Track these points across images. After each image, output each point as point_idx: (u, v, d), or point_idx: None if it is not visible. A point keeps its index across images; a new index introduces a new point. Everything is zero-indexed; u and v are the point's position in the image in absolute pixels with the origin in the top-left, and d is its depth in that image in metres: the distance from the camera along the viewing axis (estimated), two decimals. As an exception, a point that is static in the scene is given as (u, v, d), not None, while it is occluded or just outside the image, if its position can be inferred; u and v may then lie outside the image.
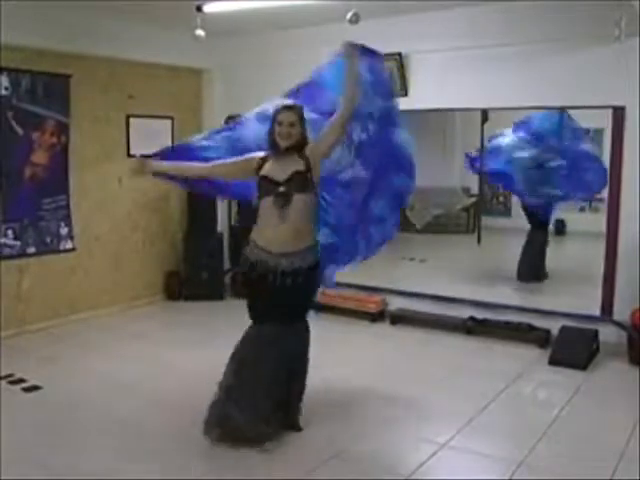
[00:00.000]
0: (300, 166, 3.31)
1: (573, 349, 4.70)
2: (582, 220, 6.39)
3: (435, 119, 6.35)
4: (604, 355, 4.82)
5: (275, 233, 3.31)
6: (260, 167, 3.37)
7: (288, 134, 3.31)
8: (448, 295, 5.66)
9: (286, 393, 3.48)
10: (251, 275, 3.40)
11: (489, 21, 5.09)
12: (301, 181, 3.30)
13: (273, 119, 3.35)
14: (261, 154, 3.43)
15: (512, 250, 6.36)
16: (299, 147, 3.35)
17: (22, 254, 5.34)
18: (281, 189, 3.27)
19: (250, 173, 3.41)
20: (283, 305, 3.37)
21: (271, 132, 3.36)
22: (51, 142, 5.46)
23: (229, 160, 3.51)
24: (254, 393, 3.32)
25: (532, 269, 6.16)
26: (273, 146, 3.37)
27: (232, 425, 3.32)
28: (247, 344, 3.44)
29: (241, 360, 3.40)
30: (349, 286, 5.92)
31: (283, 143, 3.32)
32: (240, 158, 3.47)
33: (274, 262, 3.31)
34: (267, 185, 3.32)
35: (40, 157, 5.40)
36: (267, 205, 3.32)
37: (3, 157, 5.14)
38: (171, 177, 3.68)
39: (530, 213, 6.34)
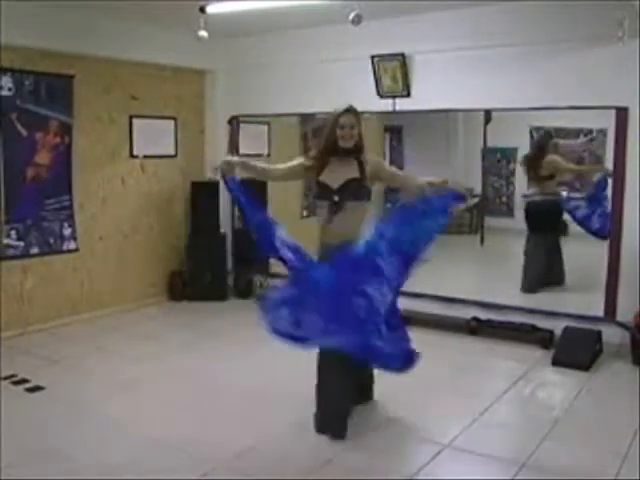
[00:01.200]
0: (355, 172, 3.47)
1: (576, 350, 4.69)
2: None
3: (438, 119, 6.34)
4: (607, 356, 4.81)
5: (325, 232, 3.51)
6: (316, 168, 3.52)
7: (350, 135, 3.45)
8: (451, 296, 5.65)
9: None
10: None
11: (492, 22, 5.09)
12: (355, 188, 3.46)
13: (333, 123, 3.47)
14: (311, 156, 3.59)
15: (515, 251, 6.32)
16: (357, 150, 3.50)
17: (25, 254, 5.36)
18: (335, 198, 3.43)
19: (303, 174, 3.63)
20: None
21: (330, 135, 3.48)
22: (54, 142, 5.48)
23: (287, 165, 3.65)
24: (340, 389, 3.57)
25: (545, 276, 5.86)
26: (331, 149, 3.49)
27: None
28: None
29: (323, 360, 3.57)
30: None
31: (345, 144, 3.46)
32: (294, 163, 3.64)
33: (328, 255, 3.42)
34: (322, 190, 3.50)
35: (43, 157, 5.42)
36: (321, 206, 3.51)
37: (7, 158, 5.15)
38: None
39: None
